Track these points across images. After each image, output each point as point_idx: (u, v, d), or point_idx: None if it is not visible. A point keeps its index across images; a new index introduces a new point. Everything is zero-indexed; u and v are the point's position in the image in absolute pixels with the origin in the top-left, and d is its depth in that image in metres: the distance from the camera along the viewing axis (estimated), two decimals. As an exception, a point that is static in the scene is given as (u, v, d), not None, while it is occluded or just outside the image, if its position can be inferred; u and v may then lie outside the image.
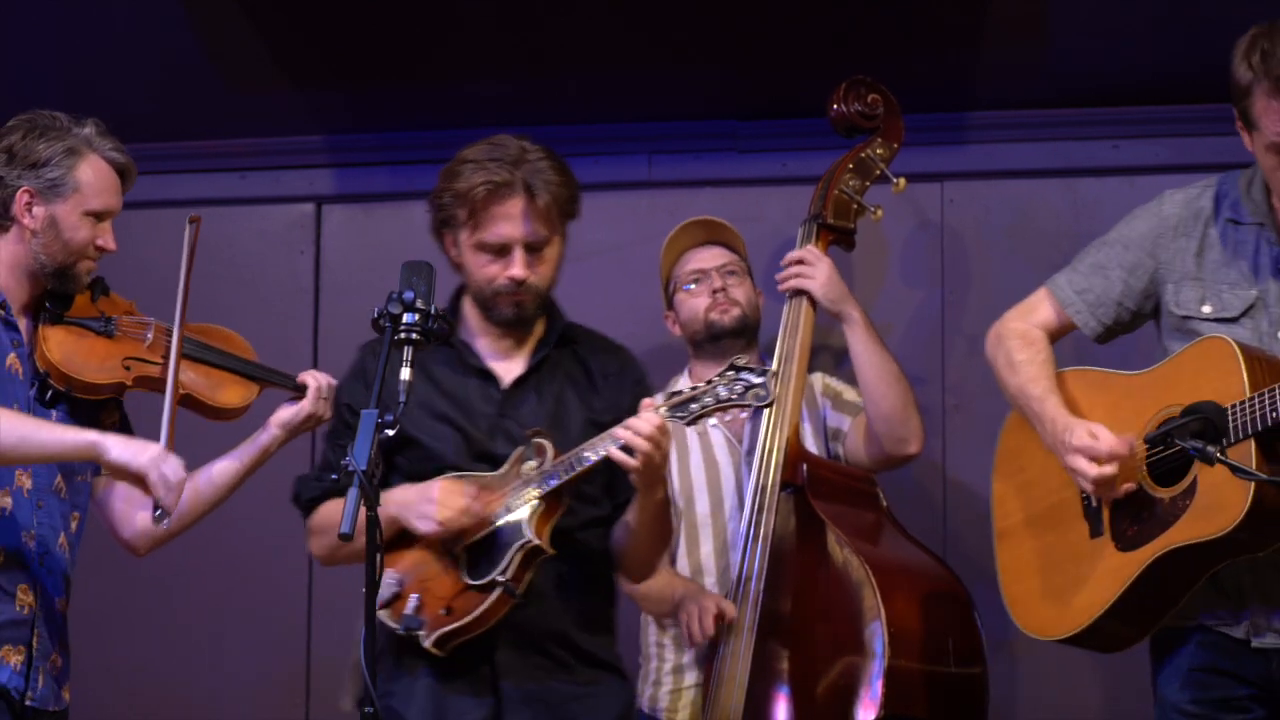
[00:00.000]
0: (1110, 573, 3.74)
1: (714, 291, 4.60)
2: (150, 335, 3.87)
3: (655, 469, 3.67)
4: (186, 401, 3.86)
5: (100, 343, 3.84)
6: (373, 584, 3.22)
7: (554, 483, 3.70)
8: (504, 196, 3.79)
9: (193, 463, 3.89)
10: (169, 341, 3.83)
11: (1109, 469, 3.70)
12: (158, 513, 3.68)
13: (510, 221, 3.80)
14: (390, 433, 3.31)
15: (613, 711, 3.83)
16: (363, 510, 3.22)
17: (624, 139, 5.18)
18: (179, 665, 5.18)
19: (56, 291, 3.83)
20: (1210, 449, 3.47)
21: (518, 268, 3.81)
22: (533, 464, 3.75)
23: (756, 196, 5.10)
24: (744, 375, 3.63)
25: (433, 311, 3.48)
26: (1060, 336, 3.99)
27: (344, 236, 5.30)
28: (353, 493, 3.22)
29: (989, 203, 5.07)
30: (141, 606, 5.14)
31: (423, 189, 5.26)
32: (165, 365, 3.81)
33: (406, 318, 3.46)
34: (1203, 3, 4.71)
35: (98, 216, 3.82)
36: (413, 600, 3.73)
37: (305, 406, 3.92)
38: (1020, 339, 3.95)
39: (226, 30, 5.01)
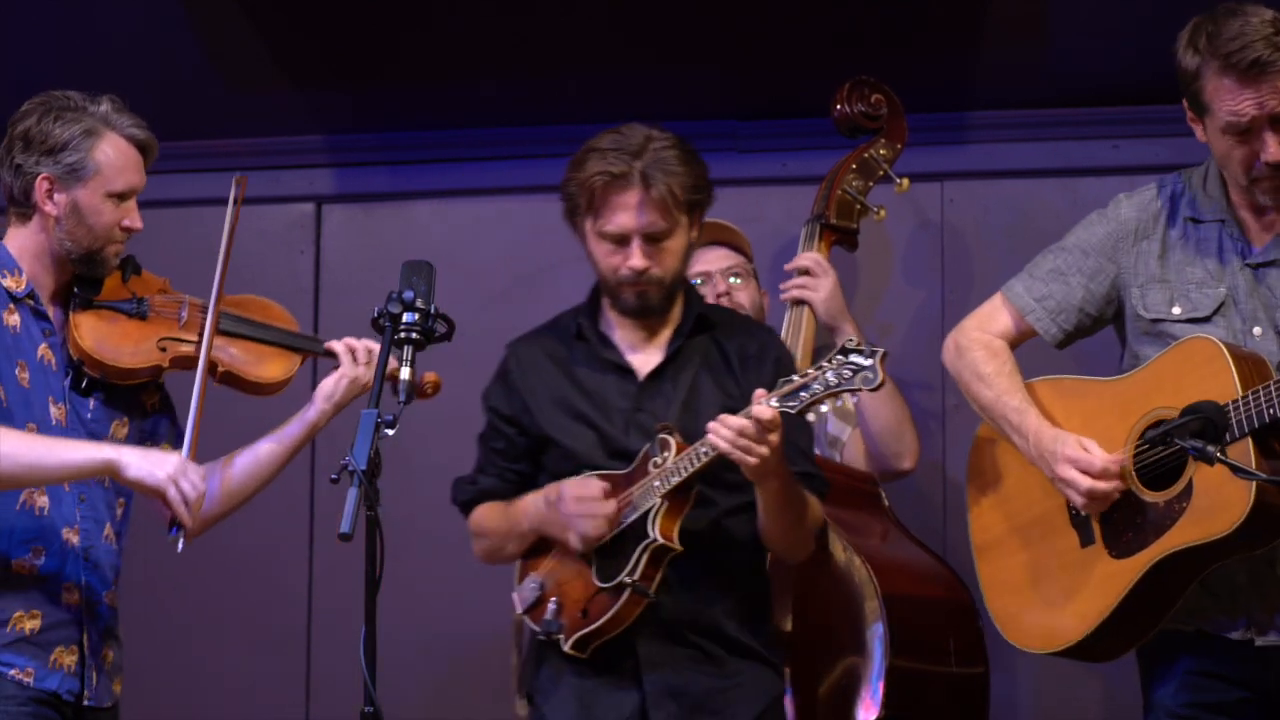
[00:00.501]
0: (1105, 581, 3.71)
1: (718, 295, 4.59)
2: (185, 314, 3.79)
3: (760, 464, 3.58)
4: (226, 379, 3.80)
5: (133, 325, 3.77)
6: (372, 583, 3.22)
7: (675, 480, 3.65)
8: (620, 187, 3.75)
9: (240, 440, 3.86)
10: (204, 318, 3.76)
11: (1102, 484, 3.69)
12: (175, 532, 3.62)
13: (626, 212, 3.76)
14: (390, 432, 3.30)
15: (755, 705, 3.76)
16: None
17: (624, 139, 5.17)
18: (178, 665, 5.18)
19: (85, 276, 3.77)
20: (1211, 449, 3.46)
21: (637, 258, 3.76)
22: (658, 459, 3.69)
23: (756, 196, 5.09)
24: (853, 358, 3.53)
25: (432, 311, 3.47)
26: (1019, 344, 3.96)
27: (344, 236, 5.30)
28: (352, 493, 3.22)
29: (989, 203, 5.07)
30: (141, 607, 5.12)
31: (423, 189, 5.31)
32: (201, 343, 3.73)
33: (406, 317, 3.45)
34: (1203, 3, 4.70)
35: (121, 197, 3.75)
36: (552, 604, 3.73)
37: (345, 373, 3.83)
38: (984, 350, 3.93)
39: (226, 30, 5.01)
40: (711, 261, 4.66)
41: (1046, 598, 3.83)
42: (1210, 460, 3.47)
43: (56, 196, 3.72)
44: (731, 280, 4.61)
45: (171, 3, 4.93)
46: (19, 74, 5.02)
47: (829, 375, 3.52)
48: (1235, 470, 3.47)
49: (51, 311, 3.77)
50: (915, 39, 4.90)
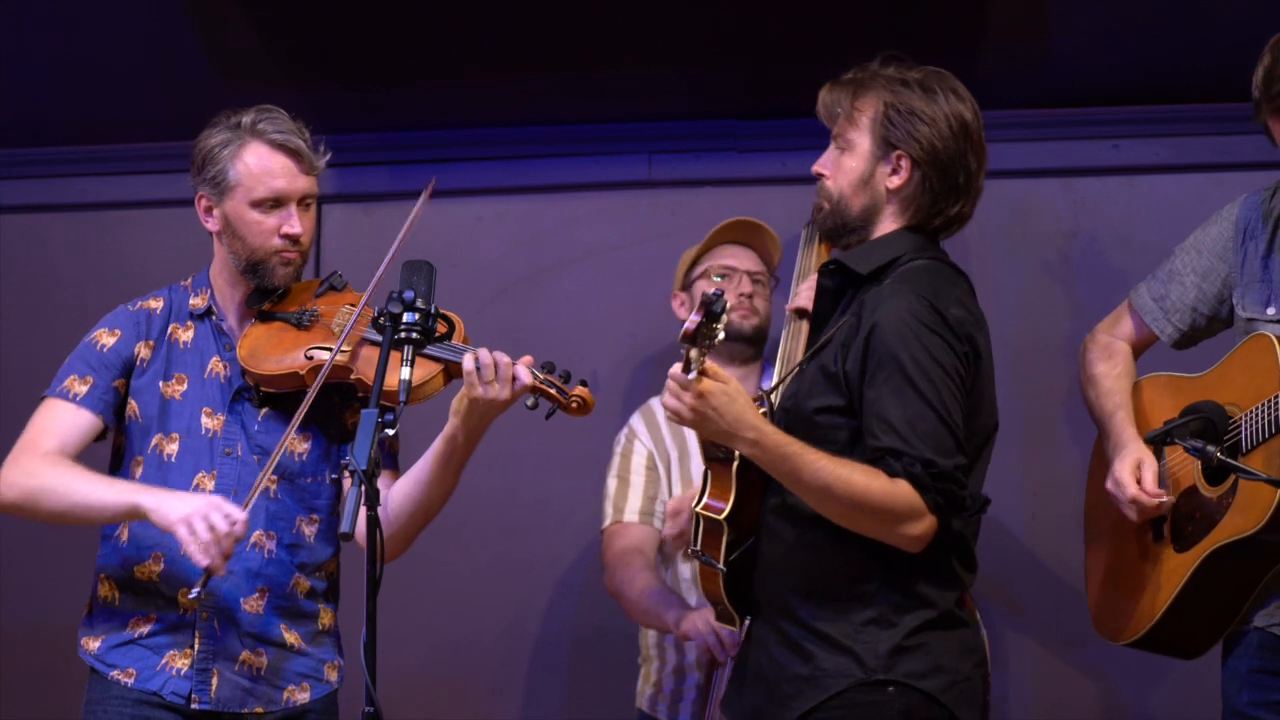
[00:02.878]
0: (1168, 573, 3.73)
1: (740, 295, 4.58)
2: (340, 321, 3.72)
3: (693, 424, 3.33)
4: (360, 385, 3.66)
5: (291, 335, 3.72)
6: (373, 583, 3.21)
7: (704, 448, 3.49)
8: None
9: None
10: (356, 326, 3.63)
11: (1134, 510, 3.70)
12: (196, 583, 3.52)
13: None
14: (390, 432, 3.30)
15: (811, 698, 3.40)
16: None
17: (624, 139, 5.18)
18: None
19: (259, 288, 3.75)
20: (1210, 448, 3.46)
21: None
22: None
23: (756, 196, 5.09)
24: (710, 307, 3.25)
25: (433, 311, 3.47)
26: (1145, 346, 3.96)
27: (344, 236, 5.30)
28: (353, 492, 3.21)
29: (988, 203, 5.05)
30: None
31: (422, 189, 5.30)
32: (342, 351, 3.61)
33: (406, 317, 3.45)
34: (1202, 3, 4.71)
35: (272, 204, 3.71)
36: None
37: (464, 391, 3.58)
38: (1101, 351, 3.96)
39: (226, 30, 5.01)
40: (743, 261, 4.65)
41: (1124, 591, 3.86)
42: (1209, 459, 3.47)
43: (214, 212, 3.74)
44: (755, 286, 4.61)
45: (171, 3, 4.93)
46: (19, 74, 5.04)
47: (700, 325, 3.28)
48: (1236, 470, 3.47)
49: (238, 326, 3.77)
50: (915, 39, 4.89)
